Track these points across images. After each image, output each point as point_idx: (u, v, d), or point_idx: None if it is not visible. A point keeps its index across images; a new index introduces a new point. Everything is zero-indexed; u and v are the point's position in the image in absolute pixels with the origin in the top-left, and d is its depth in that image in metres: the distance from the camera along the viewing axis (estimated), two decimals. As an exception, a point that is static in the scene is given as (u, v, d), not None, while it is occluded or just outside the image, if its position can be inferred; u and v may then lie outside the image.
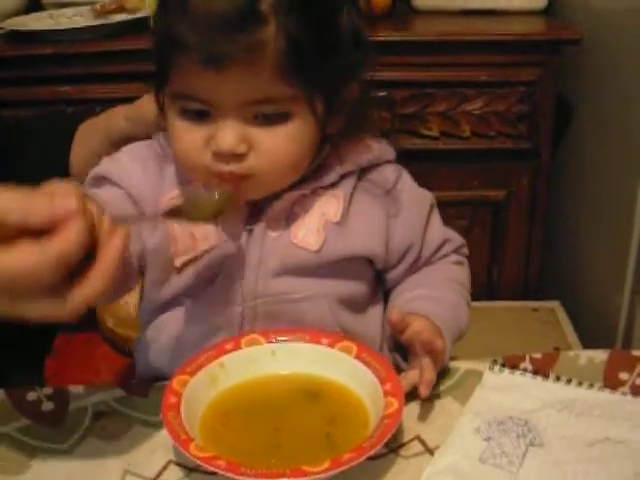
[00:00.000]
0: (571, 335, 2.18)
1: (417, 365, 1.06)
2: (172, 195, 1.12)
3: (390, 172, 1.18)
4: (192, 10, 0.96)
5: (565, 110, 2.30)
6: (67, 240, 0.82)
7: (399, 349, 1.13)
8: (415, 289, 1.18)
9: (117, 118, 1.39)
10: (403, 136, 2.10)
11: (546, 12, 2.33)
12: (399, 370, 1.09)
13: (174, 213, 1.00)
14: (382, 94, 2.08)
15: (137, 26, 2.22)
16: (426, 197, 1.22)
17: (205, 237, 1.11)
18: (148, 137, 1.20)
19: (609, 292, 2.06)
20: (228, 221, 1.09)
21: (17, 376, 1.38)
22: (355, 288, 1.18)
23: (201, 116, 1.02)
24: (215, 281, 1.12)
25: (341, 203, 1.13)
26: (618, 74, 1.99)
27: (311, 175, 1.12)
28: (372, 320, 1.22)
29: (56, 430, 1.05)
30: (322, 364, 1.07)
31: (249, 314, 1.13)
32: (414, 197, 1.20)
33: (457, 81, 2.12)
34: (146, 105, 1.30)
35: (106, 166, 1.16)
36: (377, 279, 1.23)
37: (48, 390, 1.12)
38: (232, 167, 1.03)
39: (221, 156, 1.02)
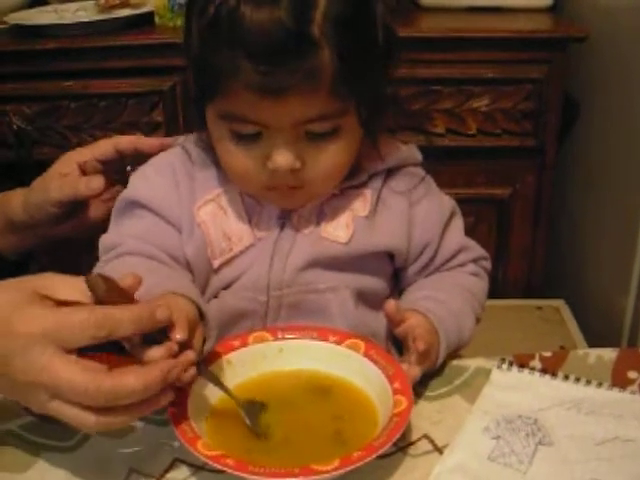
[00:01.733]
0: (576, 333, 2.18)
1: (405, 360, 1.07)
2: (207, 198, 1.15)
3: (415, 174, 1.21)
4: (244, 37, 0.96)
5: (571, 108, 2.29)
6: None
7: (395, 342, 1.14)
8: (423, 290, 1.19)
9: (15, 204, 1.38)
10: (409, 133, 2.09)
11: (552, 9, 2.33)
12: None
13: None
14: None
15: (141, 21, 2.22)
16: (448, 202, 1.25)
17: (240, 238, 1.14)
18: (51, 221, 1.26)
19: (614, 290, 2.05)
20: (262, 219, 1.14)
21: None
22: (375, 283, 1.20)
23: (255, 137, 1.04)
24: (245, 273, 1.14)
25: (369, 200, 1.16)
26: (624, 72, 1.99)
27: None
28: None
29: (60, 427, 1.04)
30: (330, 361, 1.07)
31: (274, 304, 1.14)
32: (435, 200, 1.22)
33: (463, 78, 2.11)
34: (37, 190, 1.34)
35: (135, 188, 1.17)
36: (395, 277, 1.24)
37: (53, 387, 1.11)
38: (288, 181, 1.06)
39: (278, 173, 1.04)
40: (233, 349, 1.07)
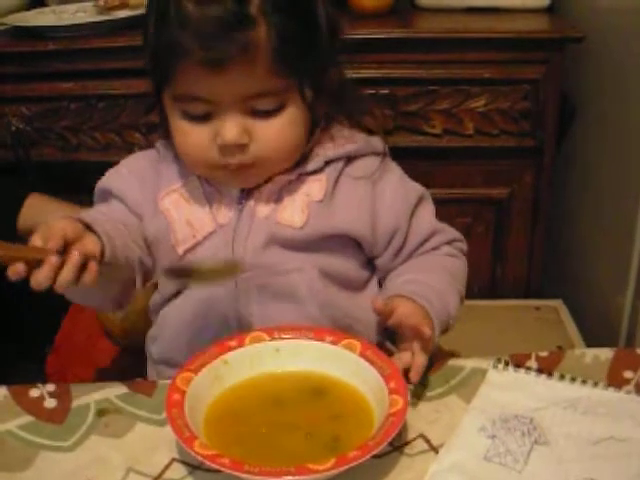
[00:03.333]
0: (574, 334, 2.18)
1: (408, 347, 1.08)
2: (171, 188, 1.22)
3: (375, 162, 1.23)
4: (189, 18, 1.04)
5: (569, 108, 2.29)
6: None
7: (389, 333, 1.18)
8: (403, 275, 1.22)
9: None
10: (406, 134, 2.09)
11: (549, 10, 2.32)
12: (390, 353, 1.11)
13: (178, 273, 1.12)
14: (384, 91, 2.08)
15: (140, 22, 2.19)
16: (414, 188, 1.27)
17: (202, 225, 1.19)
18: None
19: (612, 291, 2.05)
20: (222, 205, 1.19)
21: (18, 373, 1.38)
22: (343, 265, 1.22)
23: (204, 117, 1.10)
24: (209, 259, 1.17)
25: (324, 185, 1.19)
26: (621, 72, 1.99)
27: (297, 162, 1.19)
28: (364, 302, 1.23)
29: (59, 427, 1.05)
30: (326, 361, 1.07)
31: (242, 287, 1.17)
32: (400, 186, 1.25)
33: (460, 79, 2.11)
34: None
35: (109, 180, 1.26)
36: (370, 265, 1.27)
37: (51, 387, 1.12)
38: (237, 158, 1.11)
39: (226, 149, 1.10)
40: (230, 349, 1.08)
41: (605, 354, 1.15)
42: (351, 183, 1.21)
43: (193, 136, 1.12)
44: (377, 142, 1.25)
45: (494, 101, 2.12)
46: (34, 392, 1.11)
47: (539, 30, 2.17)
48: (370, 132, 1.27)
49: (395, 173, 1.26)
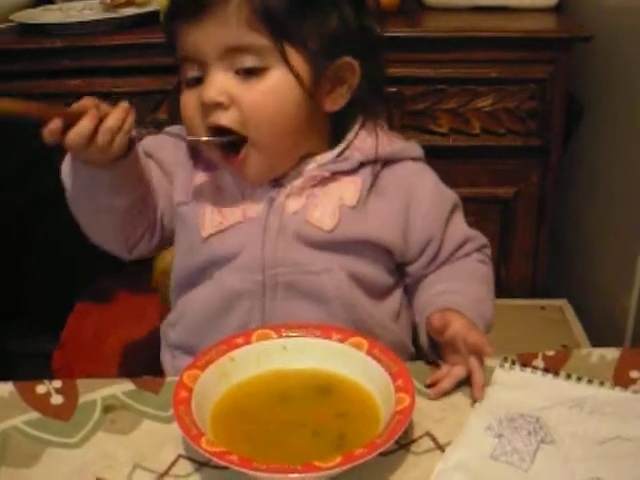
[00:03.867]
0: (579, 333, 2.18)
1: (459, 361, 1.08)
2: (205, 174, 1.23)
3: (413, 168, 1.22)
4: None
5: (575, 108, 2.29)
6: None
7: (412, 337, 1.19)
8: (438, 284, 1.21)
9: None
10: (412, 133, 2.09)
11: (557, 9, 2.32)
12: (411, 358, 1.15)
13: None
14: (392, 90, 2.08)
15: (147, 20, 2.21)
16: (449, 195, 1.26)
17: (232, 213, 1.18)
18: None
19: (617, 290, 2.05)
20: (253, 197, 1.18)
21: (23, 369, 1.38)
22: (371, 270, 1.21)
23: (197, 81, 1.13)
24: (239, 252, 1.17)
25: (359, 189, 1.18)
26: (629, 71, 1.99)
27: (332, 160, 1.18)
28: (387, 309, 1.25)
29: (65, 423, 1.05)
30: (333, 359, 1.07)
31: (270, 283, 1.17)
32: (436, 194, 1.23)
33: (467, 78, 2.11)
34: None
35: (147, 140, 1.24)
36: (399, 273, 1.26)
37: (57, 383, 1.12)
38: (218, 118, 1.12)
39: (206, 107, 1.12)
40: (237, 346, 1.07)
41: (611, 354, 1.15)
42: (386, 189, 1.20)
43: (187, 102, 1.14)
44: (415, 147, 1.24)
45: (501, 100, 2.12)
46: (40, 388, 1.11)
47: (546, 29, 2.17)
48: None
49: (431, 179, 1.24)
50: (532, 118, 2.14)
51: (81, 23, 2.14)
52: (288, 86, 1.12)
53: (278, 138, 1.14)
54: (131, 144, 1.08)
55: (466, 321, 1.10)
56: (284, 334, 1.10)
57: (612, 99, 2.12)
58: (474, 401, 1.05)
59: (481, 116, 2.14)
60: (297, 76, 1.11)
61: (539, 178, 2.23)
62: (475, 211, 2.18)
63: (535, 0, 2.32)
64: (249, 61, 1.10)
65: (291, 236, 1.16)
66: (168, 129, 1.27)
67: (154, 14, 2.21)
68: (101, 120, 1.01)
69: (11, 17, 2.24)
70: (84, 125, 0.99)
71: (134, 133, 1.07)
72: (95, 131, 1.01)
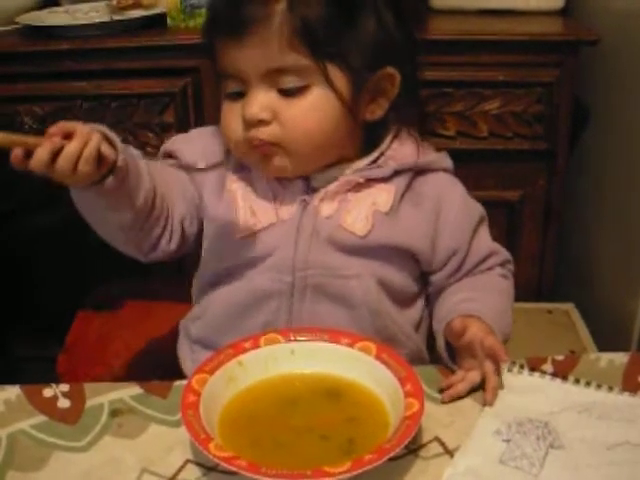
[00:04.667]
0: (586, 337, 2.17)
1: (474, 366, 1.09)
2: (238, 175, 1.23)
3: (444, 179, 1.24)
4: None
5: (582, 111, 2.29)
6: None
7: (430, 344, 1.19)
8: (460, 293, 1.21)
9: None
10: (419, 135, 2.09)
11: (563, 12, 2.32)
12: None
13: None
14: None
15: (153, 22, 2.21)
16: (477, 208, 1.28)
17: (265, 214, 1.19)
18: None
19: (624, 294, 2.05)
20: (286, 199, 1.19)
21: (28, 372, 1.38)
22: (400, 277, 1.22)
23: (238, 95, 1.14)
24: (270, 253, 1.18)
25: (392, 196, 1.18)
26: (636, 75, 1.98)
27: (367, 166, 1.18)
28: (410, 318, 1.25)
29: (72, 427, 1.05)
30: (341, 364, 1.07)
31: (299, 285, 1.17)
32: (464, 206, 1.25)
33: (474, 81, 2.11)
34: None
35: (174, 142, 1.28)
36: (423, 280, 1.26)
37: (64, 387, 1.12)
38: (259, 133, 1.12)
39: (248, 123, 1.12)
40: (244, 351, 1.08)
41: (620, 359, 1.15)
42: (418, 198, 1.20)
43: (228, 114, 1.16)
44: (447, 158, 1.26)
45: (508, 104, 2.12)
46: (47, 392, 1.11)
47: (553, 33, 2.17)
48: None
49: (461, 191, 1.25)
50: (539, 121, 2.13)
51: (87, 25, 2.14)
52: (329, 103, 1.13)
53: (316, 150, 1.15)
54: (112, 167, 1.05)
55: (485, 326, 1.10)
56: (292, 338, 1.10)
57: (619, 102, 2.11)
58: (483, 406, 1.05)
59: (488, 119, 2.13)
60: (338, 93, 1.12)
61: (546, 182, 2.22)
62: (481, 214, 2.19)
63: (542, 3, 2.32)
64: (291, 81, 1.11)
65: (324, 240, 1.17)
66: (199, 130, 1.31)
67: (161, 16, 2.21)
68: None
69: (17, 19, 2.23)
70: (39, 153, 0.97)
71: (118, 158, 1.05)
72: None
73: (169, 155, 1.27)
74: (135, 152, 1.13)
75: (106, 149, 1.03)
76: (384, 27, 1.13)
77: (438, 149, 1.27)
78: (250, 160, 1.19)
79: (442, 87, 2.10)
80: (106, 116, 2.16)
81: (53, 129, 1.01)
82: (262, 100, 1.11)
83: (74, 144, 1.00)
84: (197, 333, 1.27)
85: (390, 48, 1.15)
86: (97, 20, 2.18)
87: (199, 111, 2.14)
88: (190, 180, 1.23)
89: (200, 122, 2.13)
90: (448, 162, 1.25)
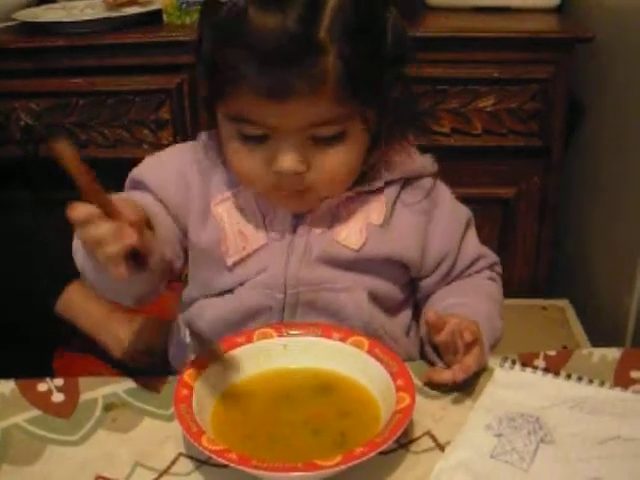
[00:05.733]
0: (580, 334, 2.18)
1: (459, 359, 1.07)
2: (224, 196, 1.17)
3: (431, 185, 1.21)
4: (250, 39, 0.97)
5: (577, 108, 2.29)
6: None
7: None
8: (449, 298, 1.20)
9: None
10: (413, 133, 2.09)
11: (559, 10, 2.33)
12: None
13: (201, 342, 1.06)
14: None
15: (149, 19, 2.22)
16: (464, 212, 1.25)
17: (255, 237, 1.16)
18: None
19: (619, 291, 2.05)
20: (276, 218, 1.15)
21: (23, 366, 1.37)
22: (389, 288, 1.20)
23: (260, 139, 1.04)
24: (261, 271, 1.15)
25: (384, 208, 1.17)
26: (630, 72, 1.98)
27: (358, 179, 1.15)
28: (400, 324, 1.24)
29: (66, 421, 1.05)
30: (334, 359, 1.07)
31: (291, 301, 1.15)
32: (452, 210, 1.23)
33: (469, 78, 2.11)
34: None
35: (146, 171, 1.19)
36: (410, 286, 1.25)
37: (58, 381, 1.12)
38: (292, 184, 1.07)
39: (282, 175, 1.05)
40: (237, 345, 1.08)
41: (612, 354, 1.15)
42: (407, 207, 1.19)
43: (247, 157, 1.07)
44: (432, 162, 1.22)
45: (503, 101, 2.12)
46: (42, 386, 1.11)
47: (548, 30, 2.17)
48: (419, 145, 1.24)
49: (447, 196, 1.23)
50: (533, 118, 2.14)
51: (83, 22, 2.14)
52: (362, 142, 1.09)
53: (342, 186, 1.13)
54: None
55: (462, 318, 1.09)
56: (285, 333, 1.10)
57: (614, 100, 2.12)
58: (474, 401, 1.05)
59: (483, 116, 2.14)
60: (370, 130, 1.09)
61: (540, 179, 2.23)
62: (476, 211, 2.18)
63: (537, 1, 2.33)
64: (329, 130, 1.04)
65: (317, 256, 1.15)
66: (170, 152, 1.23)
67: (157, 13, 2.22)
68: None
69: (13, 16, 2.24)
70: (112, 249, 0.90)
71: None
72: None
73: (139, 183, 1.18)
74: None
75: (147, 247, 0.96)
76: (399, 49, 1.07)
77: (427, 148, 1.24)
78: (271, 198, 1.13)
79: (437, 84, 2.11)
80: (102, 113, 2.17)
81: (132, 215, 0.92)
82: (298, 152, 1.03)
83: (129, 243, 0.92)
84: (176, 349, 1.25)
85: (402, 70, 1.10)
86: (93, 17, 2.18)
87: (195, 108, 2.14)
88: (168, 213, 1.16)
89: (196, 118, 2.14)
90: (434, 166, 1.22)
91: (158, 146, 2.16)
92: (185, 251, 1.19)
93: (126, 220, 0.91)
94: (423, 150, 1.23)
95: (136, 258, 0.94)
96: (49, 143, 0.90)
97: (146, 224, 0.97)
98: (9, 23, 2.26)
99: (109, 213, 0.90)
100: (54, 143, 0.89)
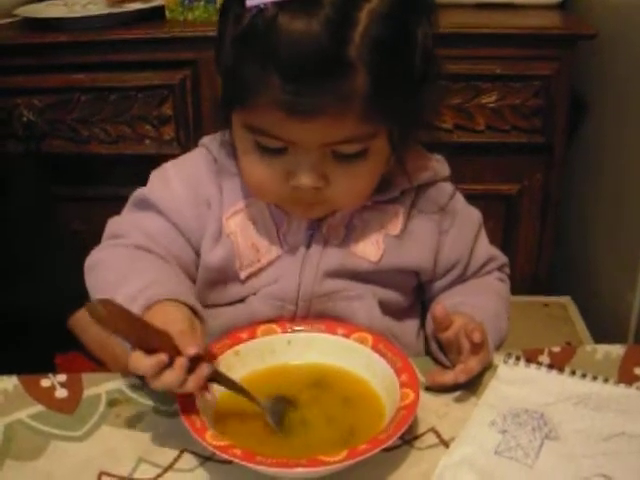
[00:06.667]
0: (582, 330, 2.18)
1: (463, 359, 1.06)
2: (236, 208, 1.14)
3: (445, 190, 1.19)
4: (277, 53, 0.92)
5: (580, 105, 2.29)
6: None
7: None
8: (455, 297, 1.20)
9: None
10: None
11: (562, 6, 2.32)
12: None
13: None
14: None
15: (151, 15, 2.22)
16: (476, 216, 1.24)
17: (268, 249, 1.14)
18: None
19: (621, 288, 2.05)
20: (291, 230, 1.13)
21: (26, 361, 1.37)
22: (398, 295, 1.20)
23: (279, 152, 1.01)
24: (274, 282, 1.14)
25: (401, 218, 1.15)
26: (633, 69, 1.98)
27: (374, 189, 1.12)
28: (410, 327, 1.24)
29: (70, 417, 1.05)
30: (337, 354, 1.07)
31: (302, 312, 1.14)
32: (465, 215, 1.22)
33: (472, 74, 2.11)
34: None
35: (154, 191, 1.16)
36: (418, 290, 1.25)
37: (62, 377, 1.12)
38: (311, 198, 1.05)
39: (300, 190, 1.03)
40: (241, 341, 1.08)
41: (616, 350, 1.15)
42: (423, 214, 1.17)
43: (264, 169, 1.04)
44: (444, 165, 1.20)
45: (505, 97, 2.12)
46: (45, 382, 1.11)
47: (551, 27, 2.17)
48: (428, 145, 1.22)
49: (460, 201, 1.22)
50: (536, 115, 2.14)
51: (85, 18, 2.14)
52: (383, 159, 1.06)
53: (361, 201, 1.11)
54: None
55: (469, 317, 1.09)
56: (289, 329, 1.10)
57: (616, 96, 2.12)
58: (478, 397, 1.05)
59: (485, 112, 2.14)
60: (393, 145, 1.05)
61: (543, 175, 2.23)
62: (479, 207, 2.18)
63: (540, -3, 2.32)
64: (353, 149, 1.00)
65: (333, 269, 1.13)
66: (175, 168, 1.18)
67: (159, 9, 2.22)
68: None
69: (15, 12, 2.24)
70: (175, 376, 0.92)
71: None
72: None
73: (148, 204, 1.15)
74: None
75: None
76: (426, 65, 1.04)
77: (428, 145, 1.22)
78: (287, 208, 1.11)
79: (440, 80, 2.10)
80: (104, 109, 2.17)
81: (189, 349, 0.93)
82: (318, 168, 1.01)
83: (202, 375, 0.95)
84: None
85: (427, 84, 1.06)
86: (95, 12, 2.18)
87: (197, 104, 2.14)
88: (181, 235, 1.15)
89: (198, 114, 2.14)
90: (446, 170, 1.20)
91: (161, 142, 2.16)
92: (197, 265, 1.17)
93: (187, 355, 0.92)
94: (424, 146, 1.23)
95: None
96: (87, 309, 0.90)
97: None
98: (11, 19, 2.26)
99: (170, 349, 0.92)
100: (93, 310, 0.89)
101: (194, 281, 1.16)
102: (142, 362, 0.91)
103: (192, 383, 0.93)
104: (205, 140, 1.19)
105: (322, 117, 0.94)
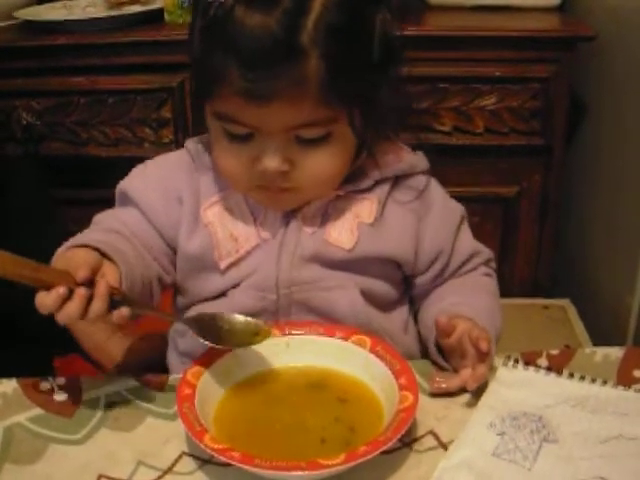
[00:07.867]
0: (582, 333, 2.18)
1: (467, 364, 1.07)
2: (213, 200, 1.17)
3: (422, 182, 1.21)
4: (233, 42, 0.98)
5: (578, 107, 2.29)
6: None
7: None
8: (448, 297, 1.20)
9: None
10: (415, 131, 2.09)
11: (560, 9, 2.32)
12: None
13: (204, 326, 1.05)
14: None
15: (150, 18, 2.22)
16: (457, 208, 1.25)
17: (246, 238, 1.16)
18: None
19: (620, 290, 2.05)
20: (267, 219, 1.15)
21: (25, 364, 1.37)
22: (382, 286, 1.20)
23: (246, 138, 1.05)
24: (253, 272, 1.16)
25: (374, 206, 1.16)
26: (632, 71, 1.98)
27: (347, 178, 1.15)
28: (397, 321, 1.24)
29: (69, 420, 1.05)
30: (336, 357, 1.07)
31: (284, 302, 1.15)
32: (445, 206, 1.22)
33: (471, 77, 2.11)
34: None
35: (133, 186, 1.20)
36: (404, 283, 1.25)
37: (61, 380, 1.12)
38: (277, 182, 1.07)
39: (266, 174, 1.06)
40: (240, 344, 1.08)
41: (615, 353, 1.15)
42: (399, 205, 1.18)
43: (233, 156, 1.08)
44: (423, 159, 1.22)
45: (504, 99, 2.12)
46: (44, 385, 1.11)
47: (550, 29, 2.17)
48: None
49: (440, 193, 1.23)
50: (535, 117, 2.14)
51: (85, 21, 2.14)
52: (348, 144, 1.09)
53: (327, 187, 1.13)
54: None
55: (472, 322, 1.09)
56: (287, 332, 1.10)
57: (615, 98, 2.12)
58: (477, 399, 1.05)
59: (484, 115, 2.14)
60: (357, 131, 1.08)
61: (542, 177, 2.23)
62: (478, 210, 2.19)
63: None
64: (315, 132, 1.04)
65: (309, 256, 1.14)
66: (156, 163, 1.23)
67: (158, 12, 2.22)
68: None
69: (15, 14, 2.24)
70: (75, 306, 0.95)
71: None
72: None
73: (126, 198, 1.20)
74: (122, 247, 1.09)
75: (114, 279, 1.00)
76: (387, 51, 1.07)
77: (427, 147, 1.23)
78: (255, 197, 1.14)
79: (438, 83, 2.11)
80: (103, 111, 2.17)
81: (79, 273, 0.96)
82: (282, 152, 1.04)
83: (102, 296, 0.97)
84: (185, 347, 1.22)
85: (391, 72, 1.10)
86: (94, 15, 2.19)
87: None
88: (154, 229, 1.18)
89: (197, 117, 2.14)
90: (425, 163, 1.22)
91: (160, 145, 2.17)
92: (174, 265, 1.20)
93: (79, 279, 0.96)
94: (423, 149, 1.23)
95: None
96: None
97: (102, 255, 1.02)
98: (11, 22, 2.26)
99: (64, 282, 0.95)
100: None
101: (167, 272, 1.19)
102: (44, 298, 0.95)
103: (94, 306, 0.96)
104: (187, 141, 1.23)
105: (278, 101, 0.98)
